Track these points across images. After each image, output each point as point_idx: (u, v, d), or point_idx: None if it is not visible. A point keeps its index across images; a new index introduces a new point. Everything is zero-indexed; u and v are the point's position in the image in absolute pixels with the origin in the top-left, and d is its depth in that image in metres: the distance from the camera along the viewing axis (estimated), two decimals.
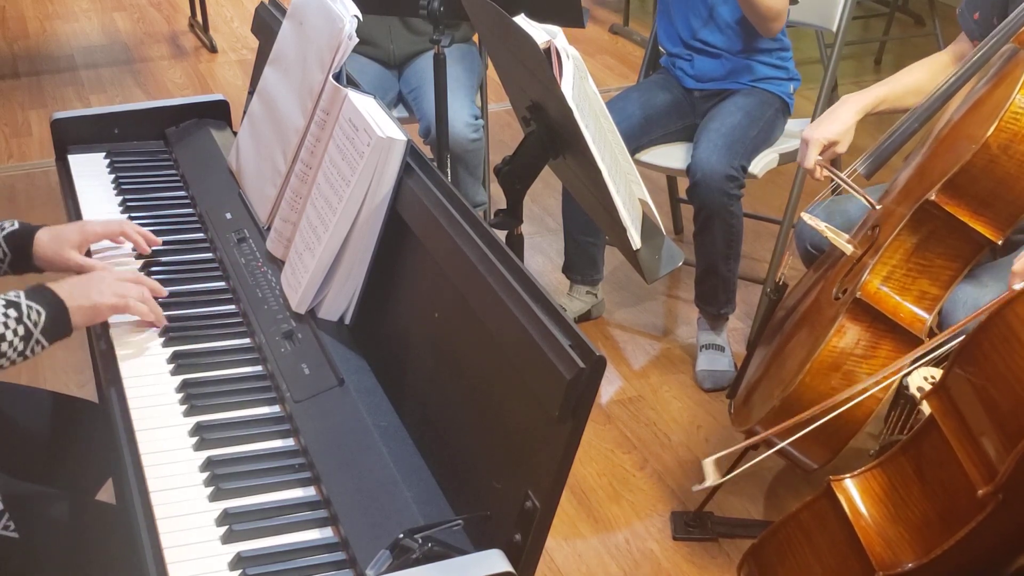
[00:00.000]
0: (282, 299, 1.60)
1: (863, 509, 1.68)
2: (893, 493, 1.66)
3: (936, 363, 1.90)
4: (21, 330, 1.44)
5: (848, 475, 1.71)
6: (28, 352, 1.46)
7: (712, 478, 1.82)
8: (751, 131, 2.75)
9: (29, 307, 1.46)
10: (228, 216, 1.82)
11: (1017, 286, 1.60)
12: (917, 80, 2.31)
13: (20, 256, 1.68)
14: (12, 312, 1.44)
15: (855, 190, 2.11)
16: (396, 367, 1.45)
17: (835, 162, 2.26)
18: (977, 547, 1.54)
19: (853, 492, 1.70)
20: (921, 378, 1.98)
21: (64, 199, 1.97)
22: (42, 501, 1.54)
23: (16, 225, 1.70)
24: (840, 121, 2.22)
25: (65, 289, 1.51)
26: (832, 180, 2.20)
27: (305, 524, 1.27)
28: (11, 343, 1.43)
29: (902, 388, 2.02)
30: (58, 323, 1.49)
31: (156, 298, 1.60)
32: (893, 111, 2.30)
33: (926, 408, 1.63)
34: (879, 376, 1.88)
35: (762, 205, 3.62)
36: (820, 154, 2.20)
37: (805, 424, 1.81)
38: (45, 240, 1.68)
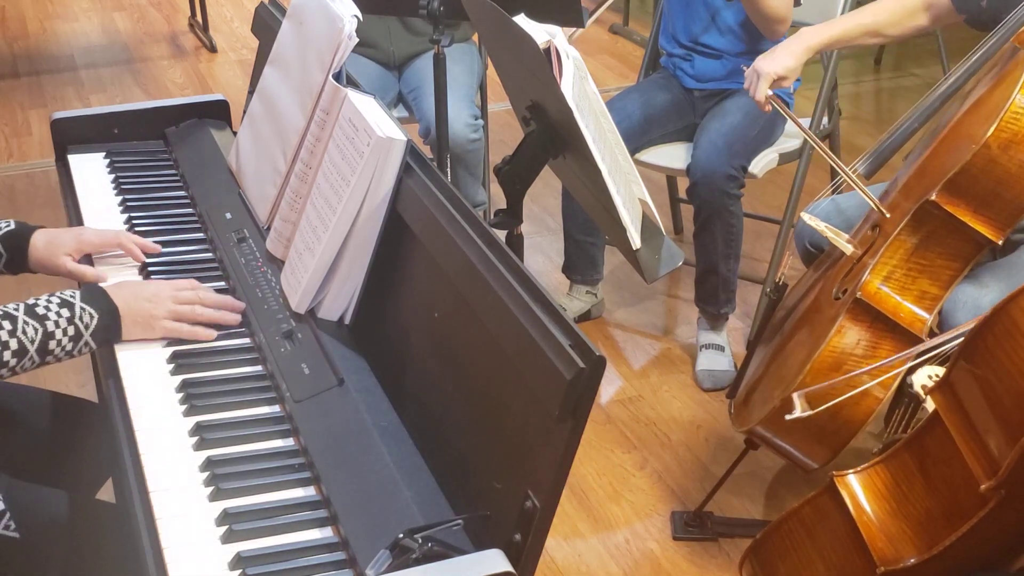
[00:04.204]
0: (282, 299, 1.60)
1: (866, 504, 1.68)
2: (896, 489, 1.67)
3: (940, 362, 1.90)
4: (71, 331, 1.46)
5: (851, 470, 1.71)
6: (76, 352, 1.48)
7: (800, 410, 1.86)
8: (751, 131, 2.75)
9: (83, 309, 1.48)
10: (228, 216, 1.82)
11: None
12: (876, 21, 2.37)
13: (16, 256, 1.69)
14: (65, 312, 1.46)
15: (854, 182, 2.14)
16: (396, 367, 1.45)
17: (843, 160, 2.30)
18: (979, 543, 1.54)
19: (856, 487, 1.70)
20: (925, 376, 1.98)
21: (64, 199, 1.97)
22: (42, 501, 1.54)
23: (12, 225, 1.70)
24: (794, 56, 2.34)
25: (122, 297, 1.52)
26: (774, 108, 2.34)
27: (305, 524, 1.27)
28: (59, 342, 1.45)
29: (906, 387, 2.02)
30: (110, 329, 1.51)
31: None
32: (848, 48, 2.42)
33: (930, 405, 1.63)
34: (876, 367, 1.89)
35: (762, 205, 3.62)
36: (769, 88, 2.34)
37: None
38: (41, 244, 1.68)
